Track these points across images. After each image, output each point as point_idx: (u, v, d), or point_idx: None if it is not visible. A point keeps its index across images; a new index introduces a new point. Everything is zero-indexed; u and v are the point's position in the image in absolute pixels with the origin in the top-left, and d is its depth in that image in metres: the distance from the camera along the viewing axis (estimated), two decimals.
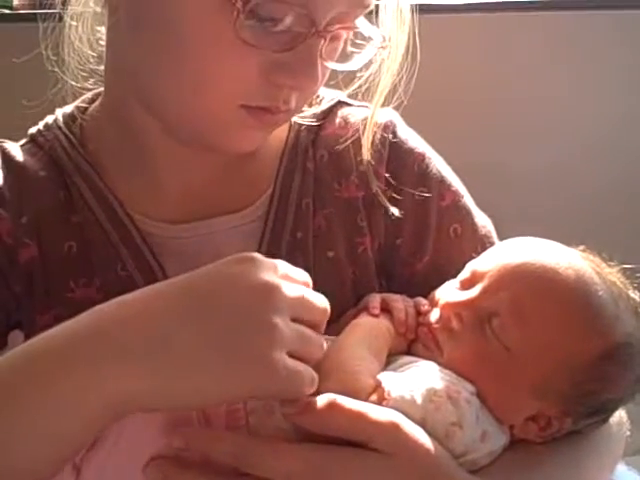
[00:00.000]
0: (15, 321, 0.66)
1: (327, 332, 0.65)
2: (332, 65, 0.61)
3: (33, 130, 0.71)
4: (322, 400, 0.53)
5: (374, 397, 0.55)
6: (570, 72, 1.65)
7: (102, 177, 0.67)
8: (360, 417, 0.53)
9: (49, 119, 0.71)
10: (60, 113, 0.71)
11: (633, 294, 0.64)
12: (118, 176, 0.67)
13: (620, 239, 1.39)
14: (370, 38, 0.63)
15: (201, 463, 0.54)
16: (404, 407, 0.55)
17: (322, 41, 0.57)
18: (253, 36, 0.55)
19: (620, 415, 0.69)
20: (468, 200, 0.73)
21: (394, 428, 0.53)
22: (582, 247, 0.67)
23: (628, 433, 0.71)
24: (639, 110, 1.68)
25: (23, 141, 0.71)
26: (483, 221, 0.73)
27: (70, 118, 0.70)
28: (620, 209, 1.66)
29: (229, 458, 0.53)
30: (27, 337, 0.63)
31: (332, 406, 0.53)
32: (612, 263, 0.66)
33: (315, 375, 0.53)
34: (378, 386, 0.56)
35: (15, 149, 0.69)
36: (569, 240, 0.67)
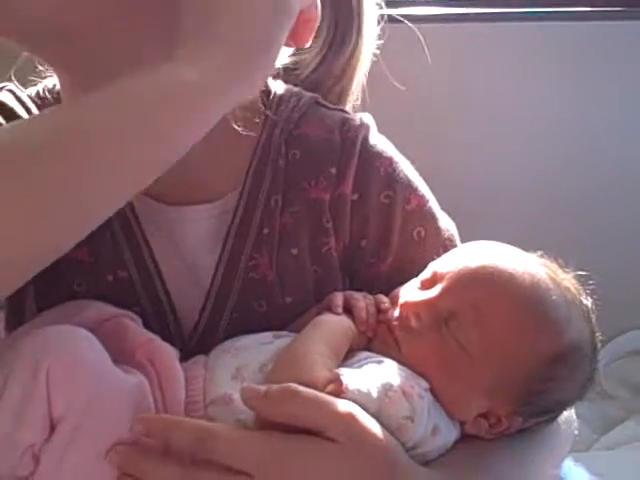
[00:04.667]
0: None
1: (289, 329, 0.68)
2: None
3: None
4: (280, 388, 0.55)
5: (331, 388, 0.58)
6: (545, 83, 1.67)
7: None
8: (317, 406, 0.55)
9: (31, 91, 0.73)
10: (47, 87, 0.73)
11: (585, 300, 0.67)
12: None
13: (578, 246, 1.44)
14: None
15: (162, 449, 0.56)
16: (360, 400, 0.58)
17: None
18: None
19: (569, 414, 0.72)
20: (433, 204, 0.75)
21: (350, 418, 0.56)
22: (540, 253, 0.70)
23: (576, 432, 0.74)
24: (616, 121, 1.70)
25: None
26: (447, 225, 0.75)
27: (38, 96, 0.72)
28: (580, 218, 1.68)
29: (188, 444, 0.55)
30: None
31: (290, 394, 0.55)
32: (567, 269, 0.69)
33: None
34: (336, 379, 0.58)
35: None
36: (528, 246, 0.70)
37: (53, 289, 0.67)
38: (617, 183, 1.70)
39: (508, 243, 0.70)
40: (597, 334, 0.67)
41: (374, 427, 0.57)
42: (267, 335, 0.66)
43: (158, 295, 0.68)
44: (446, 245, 0.74)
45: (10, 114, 0.69)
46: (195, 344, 0.69)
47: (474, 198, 1.62)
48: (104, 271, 0.68)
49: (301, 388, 0.56)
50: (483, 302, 0.63)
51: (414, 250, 0.73)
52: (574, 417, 0.74)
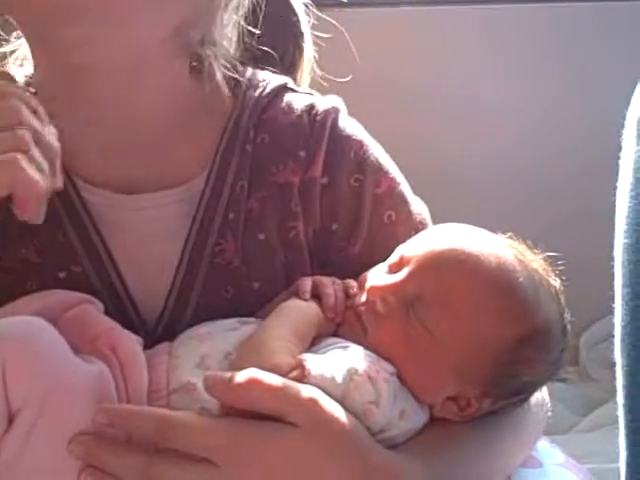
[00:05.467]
0: None
1: (257, 315, 0.68)
2: None
3: None
4: (242, 375, 0.55)
5: (294, 374, 0.57)
6: (505, 68, 1.66)
7: None
8: (279, 392, 0.55)
9: None
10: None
11: (554, 281, 0.67)
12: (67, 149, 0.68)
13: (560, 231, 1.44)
14: None
15: (125, 439, 0.55)
16: (324, 385, 0.57)
17: None
18: None
19: (541, 396, 0.72)
20: (404, 187, 0.74)
21: (312, 403, 0.55)
22: (509, 234, 0.69)
23: (550, 413, 0.74)
24: (574, 105, 1.68)
25: None
26: (418, 208, 0.75)
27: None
28: (547, 201, 1.67)
29: (150, 433, 0.54)
30: None
31: (251, 381, 0.55)
32: (536, 251, 0.68)
33: None
34: (299, 365, 0.58)
35: None
36: (499, 227, 0.70)
37: (10, 292, 0.65)
38: (601, 169, 1.69)
39: (488, 229, 0.69)
40: (566, 315, 0.67)
41: (338, 411, 0.56)
42: (232, 321, 0.66)
43: (115, 286, 0.68)
44: (418, 228, 0.73)
45: None
46: (161, 332, 0.68)
47: (457, 186, 1.62)
48: (55, 269, 0.67)
49: (263, 374, 0.55)
50: (449, 285, 0.62)
51: (385, 233, 0.72)
52: (547, 399, 0.73)
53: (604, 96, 1.55)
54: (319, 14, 0.82)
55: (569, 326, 0.67)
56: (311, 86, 0.81)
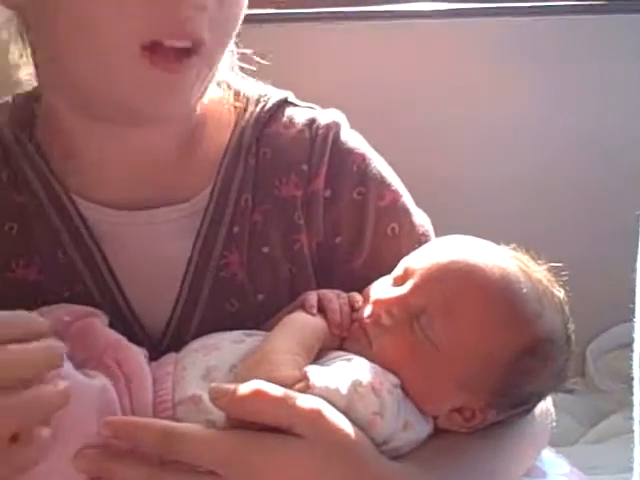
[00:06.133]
0: None
1: (262, 328, 0.68)
2: None
3: None
4: (247, 386, 0.55)
5: (299, 386, 0.57)
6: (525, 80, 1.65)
7: (47, 162, 0.69)
8: (284, 403, 0.55)
9: (8, 99, 0.73)
10: (17, 98, 0.73)
11: (558, 291, 0.67)
12: (62, 164, 0.69)
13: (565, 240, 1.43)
14: None
15: (131, 452, 0.56)
16: (328, 396, 0.58)
17: None
18: None
19: (545, 406, 0.72)
20: (407, 200, 0.75)
21: (316, 414, 0.56)
22: (512, 245, 0.70)
23: (554, 423, 0.74)
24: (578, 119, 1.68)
25: None
26: (421, 220, 0.75)
27: (25, 102, 0.72)
28: (568, 213, 1.67)
29: (155, 445, 0.55)
30: None
31: (256, 392, 0.55)
32: (540, 261, 0.69)
33: None
34: (304, 377, 0.58)
35: None
36: (509, 241, 0.70)
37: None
38: (605, 178, 1.69)
39: (486, 238, 0.70)
40: (570, 325, 0.67)
41: (342, 423, 0.57)
42: (238, 333, 0.66)
43: (118, 304, 0.68)
44: (421, 240, 0.74)
45: None
46: (167, 345, 0.68)
47: (457, 195, 1.62)
48: (58, 288, 0.67)
49: (268, 386, 0.56)
50: (453, 297, 0.63)
51: (388, 246, 0.73)
52: (551, 409, 0.73)
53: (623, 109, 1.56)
54: None
55: (573, 336, 0.67)
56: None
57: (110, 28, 0.58)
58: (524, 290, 0.64)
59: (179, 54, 0.59)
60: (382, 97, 1.54)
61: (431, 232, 0.76)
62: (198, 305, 0.69)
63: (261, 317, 0.70)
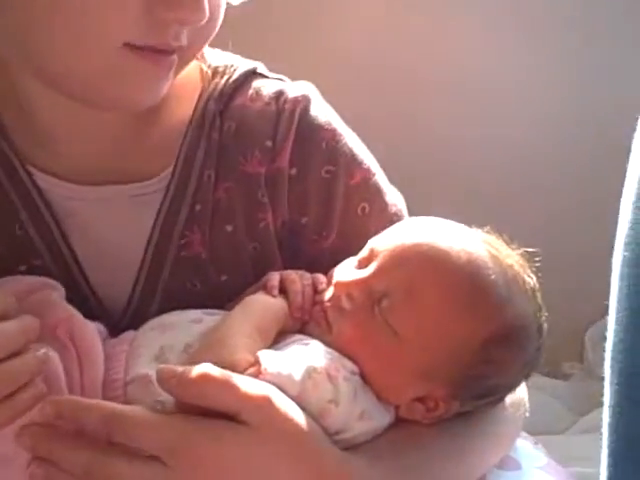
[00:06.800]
0: None
1: (225, 308, 0.66)
2: None
3: None
4: (195, 370, 0.53)
5: (250, 371, 0.55)
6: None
7: (4, 137, 0.66)
8: (231, 388, 0.53)
9: None
10: None
11: (529, 278, 0.64)
12: (19, 136, 0.67)
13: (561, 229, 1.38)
14: None
15: (75, 432, 0.54)
16: (280, 382, 0.55)
17: None
18: None
19: (518, 397, 0.69)
20: (380, 178, 0.72)
21: (265, 401, 0.53)
22: (487, 228, 0.67)
23: (527, 414, 0.71)
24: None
25: None
26: (394, 199, 0.73)
27: None
28: (555, 194, 1.60)
29: (98, 428, 0.53)
30: None
31: (203, 376, 0.53)
32: (514, 246, 0.66)
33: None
34: (256, 362, 0.56)
35: None
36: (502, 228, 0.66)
37: None
38: (602, 165, 1.62)
39: (475, 225, 0.66)
40: (542, 313, 0.64)
41: (292, 411, 0.54)
42: (197, 312, 0.64)
43: (76, 280, 0.66)
44: (393, 220, 0.71)
45: None
46: (127, 323, 0.67)
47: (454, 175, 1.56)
48: (15, 262, 0.65)
49: (216, 370, 0.54)
50: (415, 282, 0.60)
51: (358, 226, 0.70)
52: (525, 399, 0.71)
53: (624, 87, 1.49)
54: None
55: (545, 325, 0.64)
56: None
57: (96, 25, 0.55)
58: (492, 276, 0.61)
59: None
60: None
61: (404, 212, 0.73)
62: (159, 284, 0.67)
63: (224, 297, 0.67)
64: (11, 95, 0.66)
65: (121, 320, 0.67)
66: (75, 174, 0.66)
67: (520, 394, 0.70)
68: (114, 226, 0.67)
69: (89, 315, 0.65)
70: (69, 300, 0.64)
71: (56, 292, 0.64)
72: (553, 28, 1.53)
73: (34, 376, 0.54)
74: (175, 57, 0.60)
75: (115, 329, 0.65)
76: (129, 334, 0.63)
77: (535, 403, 0.73)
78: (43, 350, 0.55)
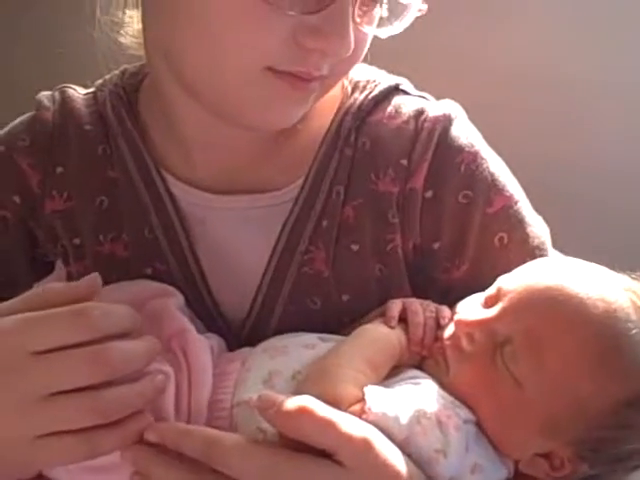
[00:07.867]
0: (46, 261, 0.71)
1: (343, 331, 0.64)
2: (369, 30, 0.58)
3: (100, 80, 0.73)
4: (295, 402, 0.51)
5: (354, 408, 0.53)
6: None
7: (144, 136, 0.68)
8: (329, 426, 0.50)
9: (115, 73, 0.73)
10: (127, 72, 0.73)
11: None
12: (159, 142, 0.69)
13: None
14: (409, 4, 0.59)
15: (177, 454, 0.53)
16: (385, 424, 0.52)
17: (352, 1, 0.54)
18: None
19: None
20: (524, 206, 0.67)
21: (364, 444, 0.50)
22: (638, 274, 0.59)
23: None
24: None
25: (89, 90, 0.73)
26: (538, 231, 0.67)
27: (132, 80, 0.72)
28: None
29: (198, 454, 0.52)
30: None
31: (302, 410, 0.50)
32: None
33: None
34: (362, 398, 0.53)
35: (76, 97, 0.72)
36: None
37: None
38: None
39: None
40: None
41: (393, 457, 0.51)
42: (312, 337, 0.62)
43: (198, 287, 0.67)
44: (535, 254, 0.65)
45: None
46: (246, 336, 0.66)
47: None
48: (141, 264, 0.67)
49: (316, 404, 0.51)
50: (542, 329, 0.55)
51: (494, 257, 0.65)
52: None
53: None
54: None
55: None
56: None
57: (239, 45, 0.55)
58: (633, 331, 0.54)
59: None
60: None
61: (548, 245, 0.67)
62: (279, 298, 0.66)
63: (345, 318, 0.66)
64: (159, 103, 0.67)
65: (240, 332, 0.67)
66: (208, 183, 0.67)
67: None
68: (240, 236, 0.67)
69: (209, 324, 0.65)
70: (190, 308, 0.65)
71: (175, 300, 0.64)
72: None
73: (147, 405, 0.53)
74: (315, 84, 0.59)
75: (234, 340, 0.65)
76: (244, 351, 0.62)
77: None
78: (160, 376, 0.54)
